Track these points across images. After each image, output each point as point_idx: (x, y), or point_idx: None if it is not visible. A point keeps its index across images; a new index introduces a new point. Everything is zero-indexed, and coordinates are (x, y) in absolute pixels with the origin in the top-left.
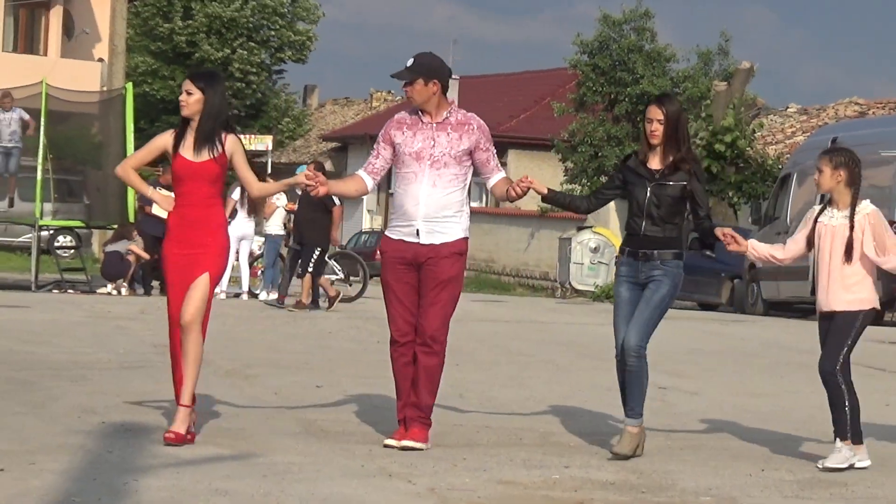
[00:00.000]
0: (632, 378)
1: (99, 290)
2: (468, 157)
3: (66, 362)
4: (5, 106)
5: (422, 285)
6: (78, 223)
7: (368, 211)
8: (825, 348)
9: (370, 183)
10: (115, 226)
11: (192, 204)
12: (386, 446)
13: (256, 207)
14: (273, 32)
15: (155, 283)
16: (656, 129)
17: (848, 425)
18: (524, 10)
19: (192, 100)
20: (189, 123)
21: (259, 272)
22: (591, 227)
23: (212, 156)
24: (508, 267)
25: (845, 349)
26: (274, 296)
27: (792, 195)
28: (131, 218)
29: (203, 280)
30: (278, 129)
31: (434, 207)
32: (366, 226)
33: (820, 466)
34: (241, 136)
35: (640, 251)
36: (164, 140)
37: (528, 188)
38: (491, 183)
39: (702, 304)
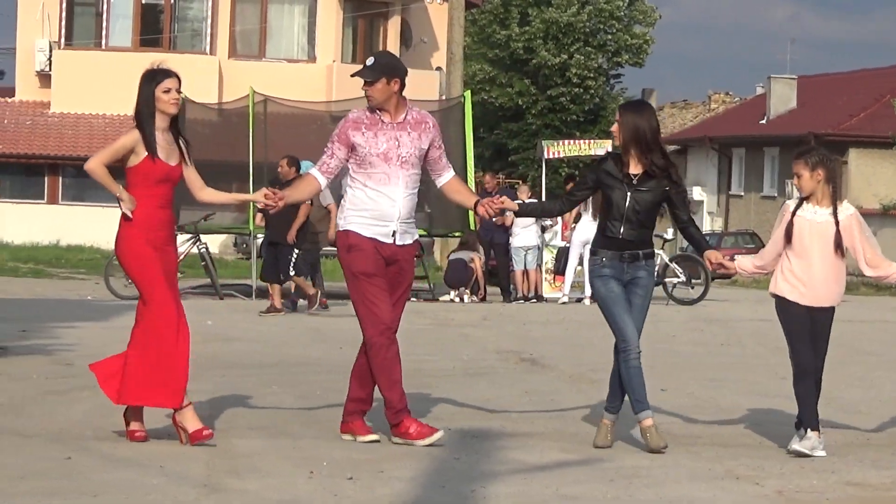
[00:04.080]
0: (639, 374)
1: (441, 298)
2: (424, 156)
3: (410, 370)
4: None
5: (391, 285)
6: (420, 231)
7: (709, 213)
8: (817, 346)
9: (323, 182)
10: (457, 234)
11: (164, 206)
12: (368, 440)
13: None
14: (610, 36)
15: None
16: (615, 130)
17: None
18: (869, 8)
19: (179, 98)
20: (154, 126)
21: None
22: None
23: (179, 160)
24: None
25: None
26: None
27: None
28: (472, 226)
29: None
30: None
31: (408, 209)
32: (706, 228)
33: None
34: (581, 142)
35: (626, 253)
36: (132, 140)
37: (501, 209)
38: (442, 181)
39: None
